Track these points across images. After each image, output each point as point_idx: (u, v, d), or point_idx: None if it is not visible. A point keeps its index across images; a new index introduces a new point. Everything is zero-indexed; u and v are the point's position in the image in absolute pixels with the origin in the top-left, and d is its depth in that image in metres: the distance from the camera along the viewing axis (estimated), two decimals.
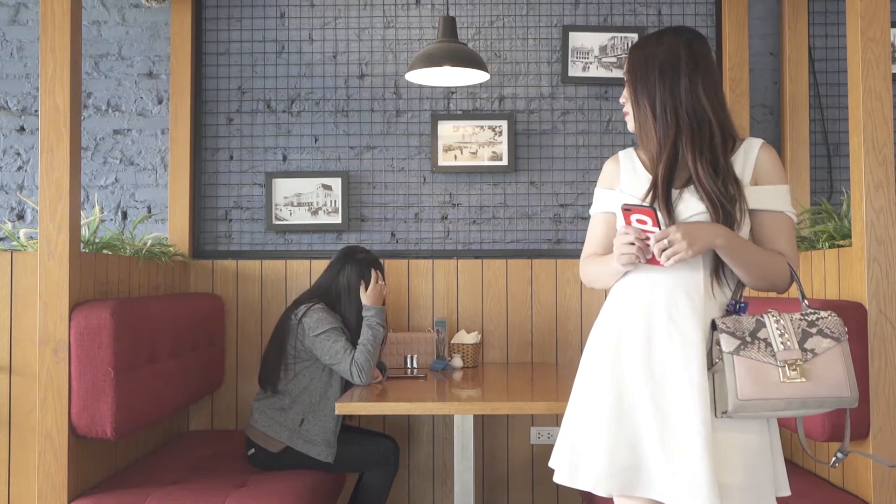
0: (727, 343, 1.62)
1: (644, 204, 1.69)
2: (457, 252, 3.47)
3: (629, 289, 1.77)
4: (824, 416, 2.20)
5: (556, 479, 1.75)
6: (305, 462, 2.75)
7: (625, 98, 1.84)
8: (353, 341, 2.81)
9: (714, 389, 1.64)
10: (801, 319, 1.65)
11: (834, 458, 1.72)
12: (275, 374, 2.80)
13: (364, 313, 2.84)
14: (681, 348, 1.66)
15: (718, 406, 1.63)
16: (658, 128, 1.75)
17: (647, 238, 1.65)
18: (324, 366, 2.80)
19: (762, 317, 1.65)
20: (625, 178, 1.83)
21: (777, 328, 1.63)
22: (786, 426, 2.44)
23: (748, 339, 1.62)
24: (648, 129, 1.77)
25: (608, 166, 1.90)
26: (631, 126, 1.84)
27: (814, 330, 1.63)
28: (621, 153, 1.89)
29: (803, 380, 1.58)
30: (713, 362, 1.65)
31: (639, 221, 1.64)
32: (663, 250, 1.63)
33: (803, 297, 1.72)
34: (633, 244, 1.66)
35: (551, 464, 1.80)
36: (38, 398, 2.37)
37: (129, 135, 3.54)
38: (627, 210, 1.65)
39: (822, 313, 1.66)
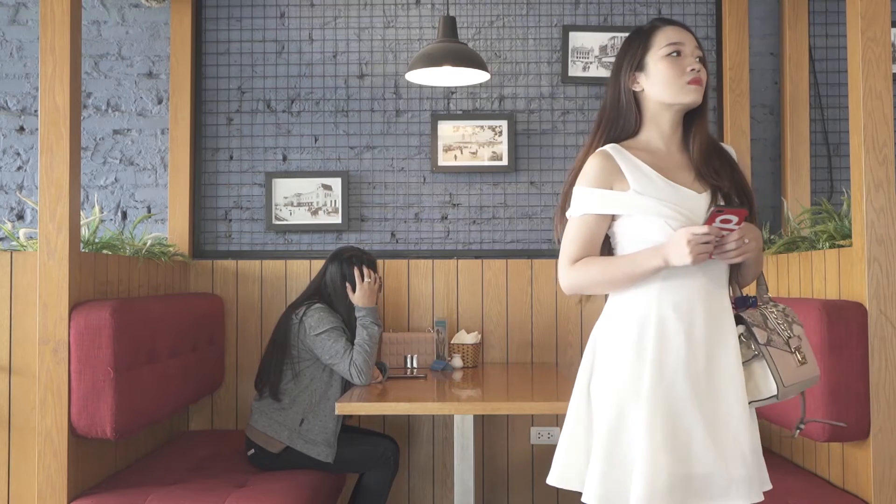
0: (760, 335, 1.69)
1: (738, 205, 1.70)
2: (457, 252, 3.47)
3: (659, 290, 1.69)
4: (824, 417, 2.20)
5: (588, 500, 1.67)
6: (305, 462, 2.74)
7: (701, 57, 1.75)
8: (352, 340, 2.81)
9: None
10: (777, 309, 1.76)
11: (796, 429, 1.81)
12: (276, 376, 2.80)
13: (357, 314, 2.84)
14: (723, 348, 1.68)
15: (749, 397, 1.69)
16: None
17: (722, 237, 1.64)
18: (324, 366, 2.80)
19: (759, 310, 1.74)
20: (631, 177, 1.71)
21: (776, 318, 1.73)
22: (778, 422, 2.44)
23: (768, 329, 1.71)
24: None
25: (600, 163, 1.73)
26: (699, 96, 1.73)
27: (789, 318, 1.75)
28: (609, 149, 1.74)
29: (807, 362, 1.72)
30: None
31: (723, 221, 1.63)
32: (737, 248, 1.65)
33: (766, 289, 1.81)
34: (709, 244, 1.62)
35: (562, 484, 1.73)
36: (38, 398, 2.36)
37: (128, 135, 3.53)
38: (719, 211, 1.62)
39: (780, 304, 1.78)
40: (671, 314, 1.67)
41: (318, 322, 2.77)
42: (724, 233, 1.63)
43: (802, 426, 1.80)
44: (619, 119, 1.80)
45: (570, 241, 1.76)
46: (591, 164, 1.75)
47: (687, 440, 1.62)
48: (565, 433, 1.76)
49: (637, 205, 1.70)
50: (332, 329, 2.77)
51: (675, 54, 1.73)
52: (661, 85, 1.73)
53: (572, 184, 1.80)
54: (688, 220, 1.67)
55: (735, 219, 1.62)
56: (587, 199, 1.74)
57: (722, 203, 1.67)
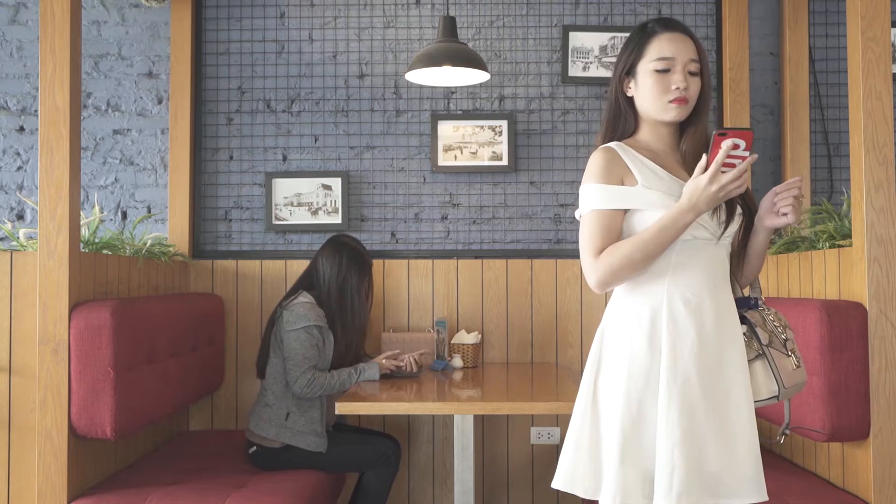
0: (763, 337, 1.71)
1: (741, 127, 1.64)
2: (457, 252, 3.47)
3: (668, 285, 1.66)
4: (824, 418, 2.20)
5: None
6: (304, 458, 2.74)
7: (696, 70, 1.70)
8: (333, 328, 2.83)
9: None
10: (772, 313, 1.78)
11: (781, 435, 1.82)
12: (262, 361, 2.87)
13: (363, 364, 2.86)
14: (731, 345, 1.66)
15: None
16: None
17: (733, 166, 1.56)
18: None
19: (757, 311, 1.75)
20: (638, 173, 1.68)
21: (774, 321, 1.75)
22: (778, 423, 2.44)
23: (767, 330, 1.72)
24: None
25: (607, 158, 1.70)
26: (682, 114, 1.71)
27: (783, 322, 1.77)
28: (614, 146, 1.73)
29: (800, 367, 1.74)
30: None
31: (732, 148, 1.53)
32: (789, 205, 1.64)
33: (760, 291, 1.81)
34: (730, 175, 1.55)
35: (567, 488, 1.68)
36: (38, 398, 2.37)
37: (128, 135, 3.53)
38: (722, 135, 1.52)
39: (773, 308, 1.80)
40: (682, 308, 1.63)
41: (295, 318, 2.77)
42: (737, 162, 1.54)
43: (787, 432, 1.82)
44: (617, 120, 1.79)
45: (590, 236, 1.68)
46: (596, 161, 1.71)
47: (700, 437, 1.60)
48: (571, 433, 1.71)
49: (646, 199, 1.66)
50: (305, 329, 2.76)
51: (663, 70, 1.69)
52: (644, 100, 1.72)
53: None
54: None
55: (743, 143, 1.52)
56: (597, 195, 1.69)
57: (725, 128, 1.55)
